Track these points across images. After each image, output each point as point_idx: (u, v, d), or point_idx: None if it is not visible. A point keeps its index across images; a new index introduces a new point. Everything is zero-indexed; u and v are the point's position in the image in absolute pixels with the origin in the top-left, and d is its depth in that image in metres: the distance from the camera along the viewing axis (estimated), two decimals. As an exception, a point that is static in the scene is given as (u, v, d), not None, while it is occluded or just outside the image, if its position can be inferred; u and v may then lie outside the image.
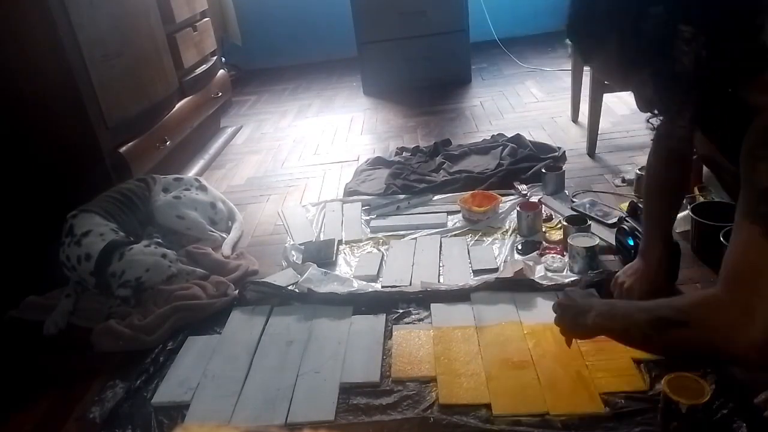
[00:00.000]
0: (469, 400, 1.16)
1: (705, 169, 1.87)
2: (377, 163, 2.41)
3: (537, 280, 1.50)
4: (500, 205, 1.92)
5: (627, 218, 1.59)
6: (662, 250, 1.34)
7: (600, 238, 1.59)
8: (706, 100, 0.91)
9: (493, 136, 2.53)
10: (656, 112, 1.00)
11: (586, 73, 2.35)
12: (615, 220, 1.72)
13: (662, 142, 1.30)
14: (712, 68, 0.86)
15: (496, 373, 1.23)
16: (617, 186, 2.01)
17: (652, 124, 1.07)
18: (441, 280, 1.60)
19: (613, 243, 1.61)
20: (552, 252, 1.64)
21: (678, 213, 1.41)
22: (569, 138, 2.49)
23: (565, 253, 1.62)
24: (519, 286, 1.49)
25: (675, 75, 0.87)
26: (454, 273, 1.62)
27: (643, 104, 0.99)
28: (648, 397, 1.11)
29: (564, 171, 2.01)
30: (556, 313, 1.18)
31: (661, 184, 1.33)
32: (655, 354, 1.13)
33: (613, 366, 1.19)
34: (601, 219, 1.77)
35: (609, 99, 2.58)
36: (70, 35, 1.81)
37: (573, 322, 1.11)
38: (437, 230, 1.86)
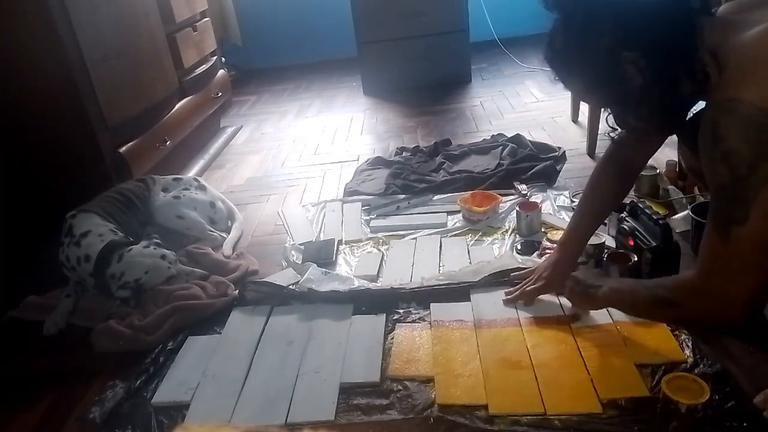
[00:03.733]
0: (466, 401, 1.16)
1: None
2: (377, 163, 2.41)
3: (533, 267, 1.51)
4: (500, 205, 1.92)
5: (627, 218, 1.59)
6: (579, 248, 1.45)
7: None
8: (662, 113, 1.02)
9: (493, 136, 2.53)
10: (623, 128, 1.14)
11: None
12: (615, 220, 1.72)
13: (619, 152, 1.36)
14: (657, 86, 0.98)
15: (495, 372, 1.22)
16: (617, 186, 2.01)
17: (612, 137, 1.22)
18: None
19: (613, 243, 1.61)
20: (552, 252, 1.64)
21: (603, 221, 1.52)
22: (569, 138, 2.49)
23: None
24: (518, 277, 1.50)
25: (629, 95, 1.00)
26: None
27: (617, 122, 1.11)
28: (647, 398, 1.11)
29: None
30: (567, 286, 1.29)
31: (604, 193, 1.41)
32: (660, 322, 1.27)
33: (614, 371, 1.19)
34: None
35: (609, 99, 2.59)
36: (70, 35, 1.81)
37: (585, 293, 1.24)
38: (437, 230, 1.86)
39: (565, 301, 1.40)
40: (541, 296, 1.44)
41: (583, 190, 1.47)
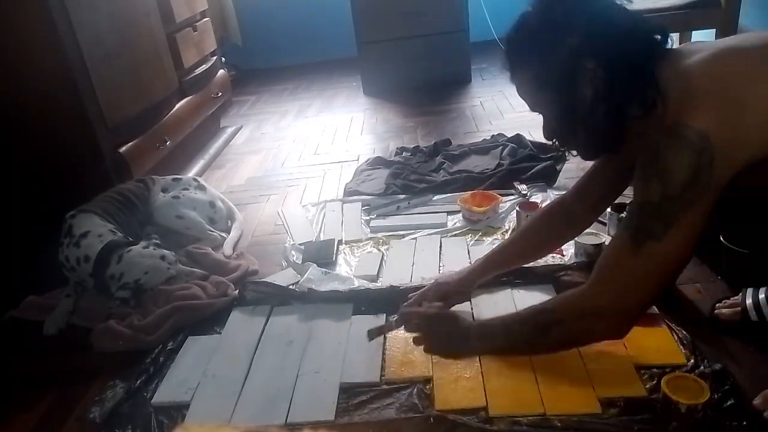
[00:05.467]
0: (465, 404, 1.15)
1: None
2: (377, 163, 2.41)
3: (533, 265, 1.52)
4: (500, 205, 1.92)
5: (627, 218, 1.59)
6: (474, 277, 1.41)
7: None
8: (601, 131, 1.02)
9: (493, 136, 2.53)
10: (555, 139, 1.11)
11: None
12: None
13: (562, 203, 1.37)
14: (606, 102, 0.98)
15: (495, 373, 1.22)
16: (617, 186, 2.01)
17: (555, 144, 1.17)
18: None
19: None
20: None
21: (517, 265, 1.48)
22: (569, 138, 2.49)
23: (564, 253, 1.63)
24: (518, 276, 1.51)
25: (574, 104, 1.00)
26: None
27: (547, 131, 1.10)
28: (647, 399, 1.11)
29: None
30: (417, 341, 1.23)
31: (532, 236, 1.40)
32: (543, 354, 1.19)
33: (613, 371, 1.19)
34: (601, 219, 1.77)
35: (609, 99, 2.59)
36: (70, 35, 1.81)
37: (451, 349, 1.20)
38: (437, 230, 1.86)
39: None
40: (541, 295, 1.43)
41: (517, 228, 1.46)
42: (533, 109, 1.10)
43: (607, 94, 0.98)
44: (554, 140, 1.13)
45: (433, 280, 1.45)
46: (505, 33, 1.05)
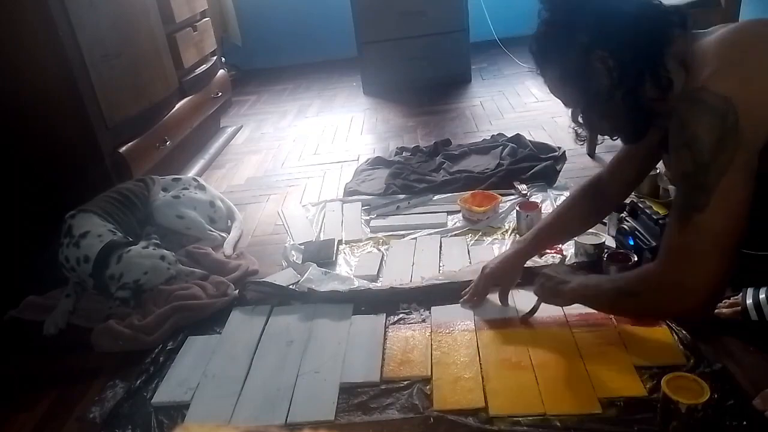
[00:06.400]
0: (464, 405, 1.15)
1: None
2: (377, 163, 2.41)
3: (533, 265, 1.51)
4: (500, 205, 1.92)
5: (627, 218, 1.59)
6: (530, 249, 1.44)
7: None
8: (625, 116, 1.05)
9: (493, 136, 2.53)
10: (588, 128, 1.16)
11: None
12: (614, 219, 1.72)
13: (597, 183, 1.40)
14: (621, 87, 1.01)
15: (495, 374, 1.22)
16: (617, 186, 2.01)
17: (576, 132, 1.21)
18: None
19: (613, 243, 1.61)
20: (551, 252, 1.64)
21: (563, 241, 1.56)
22: (569, 138, 2.46)
23: (564, 253, 1.63)
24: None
25: (597, 95, 1.04)
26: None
27: (585, 124, 1.14)
28: (647, 399, 1.11)
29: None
30: (538, 282, 1.28)
31: (575, 212, 1.43)
32: (624, 316, 1.28)
33: (613, 371, 1.19)
34: (601, 219, 1.77)
35: (609, 99, 2.58)
36: (70, 35, 1.81)
37: (553, 290, 1.24)
38: (437, 230, 1.86)
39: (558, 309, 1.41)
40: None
41: (556, 207, 1.49)
42: (567, 105, 1.13)
43: (620, 80, 1.00)
44: (594, 131, 1.18)
45: (479, 271, 1.46)
46: (532, 37, 1.10)
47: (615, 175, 1.37)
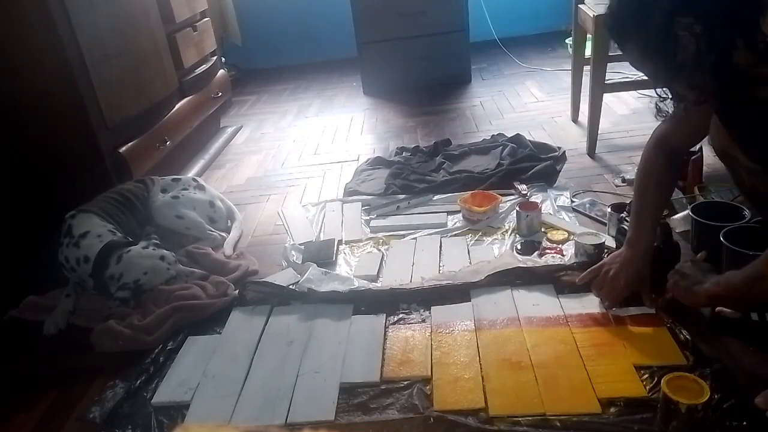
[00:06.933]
0: (464, 405, 1.15)
1: (704, 169, 1.87)
2: (377, 163, 2.41)
3: (533, 265, 1.52)
4: (500, 205, 1.92)
5: (627, 218, 1.59)
6: (650, 239, 1.37)
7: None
8: (715, 81, 0.98)
9: (493, 136, 2.53)
10: (682, 100, 1.08)
11: (586, 72, 2.35)
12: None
13: (663, 137, 1.36)
14: (712, 53, 0.94)
15: (495, 374, 1.22)
16: (617, 186, 2.01)
17: (658, 107, 1.14)
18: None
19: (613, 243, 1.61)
20: (551, 252, 1.64)
21: (664, 207, 1.49)
22: (569, 138, 2.49)
23: (564, 253, 1.63)
24: (518, 276, 1.51)
25: (683, 62, 0.97)
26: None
27: (674, 95, 1.07)
28: (647, 399, 1.11)
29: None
30: (673, 279, 1.25)
31: (659, 177, 1.37)
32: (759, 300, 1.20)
33: (613, 371, 1.19)
34: (601, 219, 1.78)
35: (609, 99, 2.59)
36: (70, 35, 1.81)
37: (687, 289, 1.20)
38: (437, 230, 1.86)
39: (565, 302, 1.41)
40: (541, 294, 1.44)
41: (635, 182, 1.43)
42: (650, 77, 1.08)
43: (710, 44, 0.94)
44: (684, 101, 1.10)
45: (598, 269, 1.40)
46: (607, 13, 1.05)
47: (680, 125, 1.29)
